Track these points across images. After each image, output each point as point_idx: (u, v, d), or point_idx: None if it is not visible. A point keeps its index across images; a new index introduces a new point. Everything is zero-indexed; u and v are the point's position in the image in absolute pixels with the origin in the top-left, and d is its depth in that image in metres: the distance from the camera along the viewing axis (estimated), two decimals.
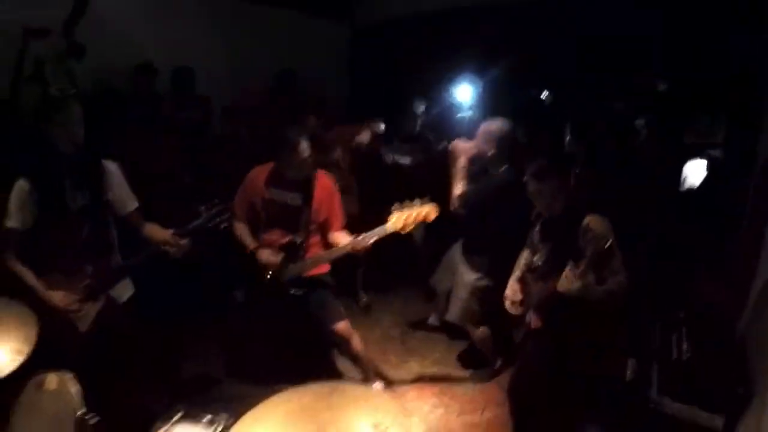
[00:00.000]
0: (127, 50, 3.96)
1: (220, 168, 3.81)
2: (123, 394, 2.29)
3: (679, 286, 2.77)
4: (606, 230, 2.12)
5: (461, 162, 2.90)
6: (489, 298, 2.88)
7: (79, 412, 1.81)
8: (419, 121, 4.54)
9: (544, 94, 4.40)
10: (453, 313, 3.07)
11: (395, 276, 4.59)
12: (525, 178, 2.36)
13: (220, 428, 1.86)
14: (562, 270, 2.16)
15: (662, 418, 1.97)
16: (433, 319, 3.84)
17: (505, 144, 2.74)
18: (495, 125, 2.79)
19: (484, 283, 2.93)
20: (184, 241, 2.40)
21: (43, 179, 2.23)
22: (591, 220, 2.17)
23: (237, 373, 3.22)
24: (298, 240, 2.80)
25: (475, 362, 3.34)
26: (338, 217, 2.87)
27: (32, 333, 1.96)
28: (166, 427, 1.91)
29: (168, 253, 2.39)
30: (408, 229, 2.45)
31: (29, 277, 2.24)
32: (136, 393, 2.38)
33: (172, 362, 3.03)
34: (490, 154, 2.75)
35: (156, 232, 2.46)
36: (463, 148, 2.90)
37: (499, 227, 2.78)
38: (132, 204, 2.48)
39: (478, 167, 2.91)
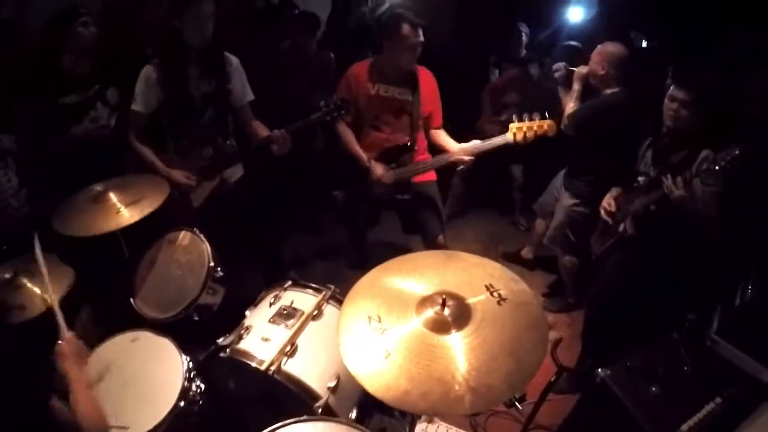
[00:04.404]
0: None
1: None
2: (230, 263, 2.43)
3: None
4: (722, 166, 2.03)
5: (576, 85, 2.86)
6: (583, 226, 2.91)
7: (210, 264, 2.08)
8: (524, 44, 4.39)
9: None
10: (549, 236, 3.17)
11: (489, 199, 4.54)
12: (672, 88, 2.25)
13: (329, 294, 2.04)
14: None
15: (715, 359, 1.94)
16: (526, 252, 3.75)
17: (618, 65, 2.68)
18: (611, 46, 2.72)
19: (580, 209, 2.93)
20: (286, 138, 2.42)
21: (169, 67, 2.38)
22: (711, 153, 2.07)
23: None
24: (409, 142, 2.78)
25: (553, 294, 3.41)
26: (439, 111, 2.86)
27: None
28: (276, 292, 2.09)
29: (271, 150, 2.46)
30: (527, 142, 2.52)
31: (149, 154, 2.45)
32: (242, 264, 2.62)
33: (270, 242, 3.22)
34: (601, 73, 2.71)
35: (261, 128, 2.59)
36: (578, 74, 2.86)
37: (602, 149, 2.77)
38: (248, 96, 2.61)
39: (589, 88, 2.87)
